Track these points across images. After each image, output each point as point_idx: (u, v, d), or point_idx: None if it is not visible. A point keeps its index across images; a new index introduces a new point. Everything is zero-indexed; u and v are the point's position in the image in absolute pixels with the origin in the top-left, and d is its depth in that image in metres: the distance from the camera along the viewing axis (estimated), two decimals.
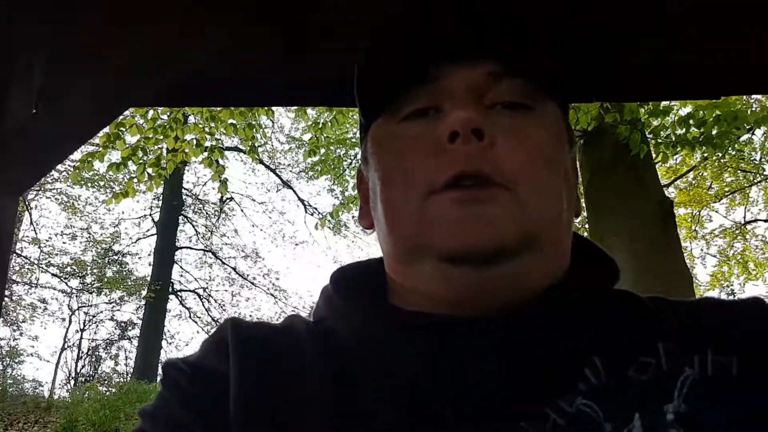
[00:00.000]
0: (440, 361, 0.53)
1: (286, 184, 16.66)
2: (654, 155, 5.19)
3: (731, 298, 0.63)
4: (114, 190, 15.10)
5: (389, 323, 0.56)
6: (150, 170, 5.70)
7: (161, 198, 16.67)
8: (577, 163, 0.68)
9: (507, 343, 0.52)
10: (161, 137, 5.53)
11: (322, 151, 9.15)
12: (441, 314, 0.55)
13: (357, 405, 0.53)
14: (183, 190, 17.32)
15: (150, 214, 17.68)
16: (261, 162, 15.37)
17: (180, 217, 17.22)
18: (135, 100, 1.17)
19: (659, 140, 5.00)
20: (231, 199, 17.22)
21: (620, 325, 0.56)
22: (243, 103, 3.84)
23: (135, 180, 5.67)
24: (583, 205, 6.07)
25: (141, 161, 5.54)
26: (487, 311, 0.54)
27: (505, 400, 0.50)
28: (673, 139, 4.92)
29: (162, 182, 6.44)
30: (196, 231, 17.83)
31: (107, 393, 9.76)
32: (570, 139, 0.64)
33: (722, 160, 9.72)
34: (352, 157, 10.28)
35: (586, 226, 6.38)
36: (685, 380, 0.49)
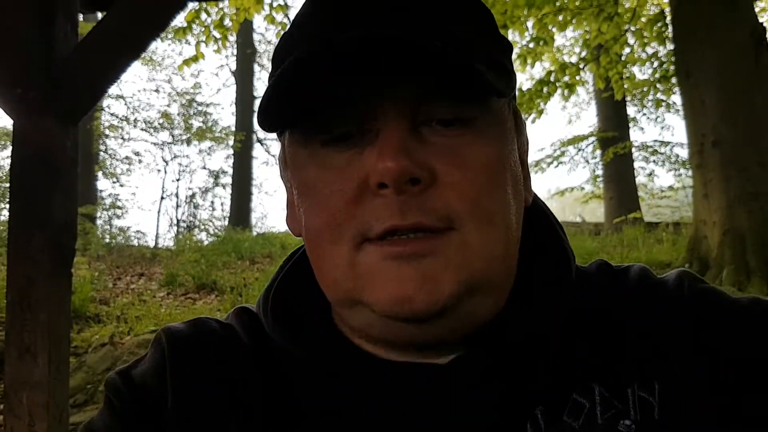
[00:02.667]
0: (371, 411, 0.53)
1: None
2: None
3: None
4: (188, 41, 15.16)
5: (325, 364, 0.56)
6: (216, 32, 5.68)
7: (235, 46, 16.64)
8: (527, 136, 0.63)
9: (449, 391, 0.52)
10: None
11: None
12: (379, 358, 0.55)
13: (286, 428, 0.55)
14: (254, 35, 17.17)
15: (227, 64, 17.81)
16: None
17: (255, 65, 17.25)
18: None
19: None
20: None
21: (560, 355, 0.54)
22: None
23: (203, 43, 5.69)
24: (670, 34, 5.60)
25: (205, 24, 5.51)
26: (432, 354, 0.53)
27: None
28: None
29: (228, 41, 6.42)
30: None
31: (206, 241, 10.39)
32: (518, 126, 0.59)
33: None
34: None
35: (672, 59, 5.96)
36: None
